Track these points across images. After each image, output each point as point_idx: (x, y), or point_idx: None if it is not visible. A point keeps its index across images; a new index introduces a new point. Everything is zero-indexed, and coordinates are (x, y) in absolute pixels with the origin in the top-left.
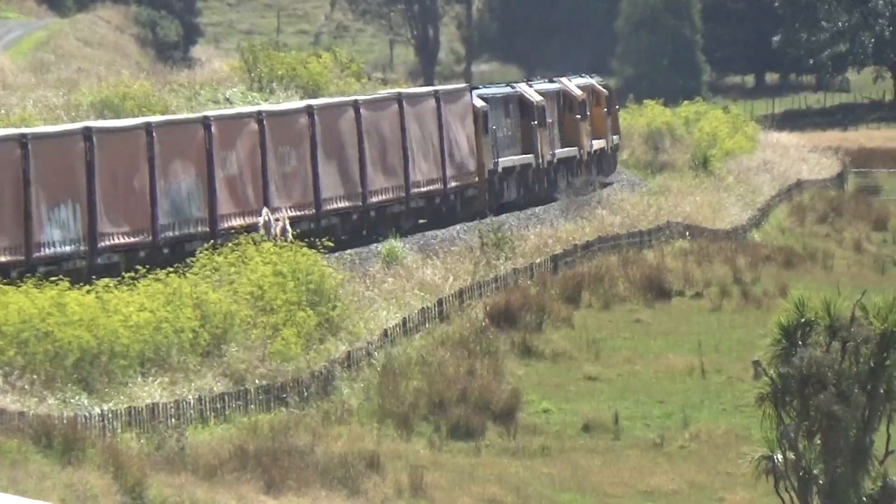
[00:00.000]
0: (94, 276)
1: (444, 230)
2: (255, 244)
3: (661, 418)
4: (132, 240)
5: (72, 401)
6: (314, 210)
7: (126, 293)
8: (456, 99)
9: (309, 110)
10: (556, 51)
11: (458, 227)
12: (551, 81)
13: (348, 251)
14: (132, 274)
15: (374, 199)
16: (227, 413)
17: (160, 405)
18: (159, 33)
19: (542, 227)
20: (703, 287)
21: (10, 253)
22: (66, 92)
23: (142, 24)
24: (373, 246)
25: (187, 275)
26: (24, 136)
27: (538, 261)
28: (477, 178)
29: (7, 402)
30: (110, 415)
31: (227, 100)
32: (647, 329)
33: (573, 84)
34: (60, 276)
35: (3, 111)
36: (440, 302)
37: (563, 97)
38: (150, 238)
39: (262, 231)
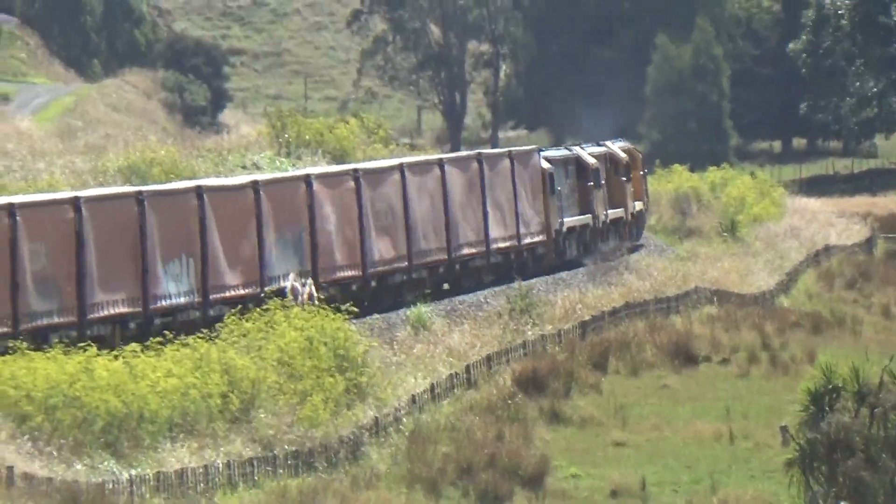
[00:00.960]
0: (206, 328)
1: (471, 295)
2: (283, 310)
3: (690, 484)
4: (243, 292)
5: (100, 466)
6: (407, 262)
7: (153, 358)
8: (526, 160)
9: (400, 168)
10: (582, 116)
11: (485, 291)
12: (599, 145)
13: (376, 316)
14: (160, 339)
15: (460, 253)
16: (255, 478)
17: (189, 470)
18: (187, 98)
19: (569, 292)
20: (730, 353)
21: (129, 305)
22: (94, 157)
23: (169, 90)
24: (400, 311)
25: (216, 340)
26: (140, 192)
27: (566, 327)
28: (545, 237)
29: (35, 468)
30: (138, 480)
31: (255, 165)
32: (675, 395)
33: (616, 147)
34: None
35: (30, 176)
36: (468, 368)
37: (609, 160)
38: (259, 290)
39: (289, 296)
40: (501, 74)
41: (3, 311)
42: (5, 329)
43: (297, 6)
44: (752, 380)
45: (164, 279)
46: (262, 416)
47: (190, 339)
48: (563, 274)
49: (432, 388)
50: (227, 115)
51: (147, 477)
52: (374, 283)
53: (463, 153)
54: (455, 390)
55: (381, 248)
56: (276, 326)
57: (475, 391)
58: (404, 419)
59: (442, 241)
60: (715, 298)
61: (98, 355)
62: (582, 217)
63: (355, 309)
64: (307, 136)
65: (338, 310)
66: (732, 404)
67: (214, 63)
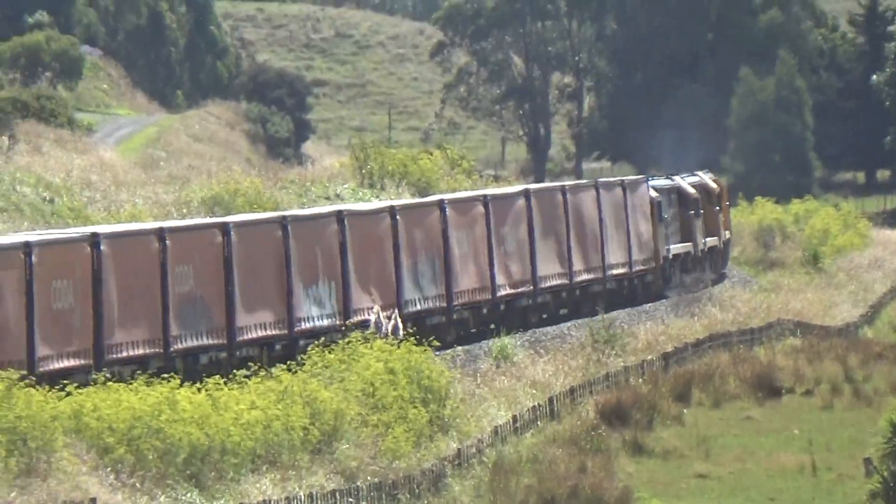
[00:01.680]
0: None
1: (554, 327)
2: (365, 342)
3: None
4: (269, 332)
5: (183, 498)
6: (531, 286)
7: (236, 391)
8: (636, 189)
9: (525, 193)
10: (666, 148)
11: (568, 323)
12: (693, 175)
13: (459, 348)
14: (245, 372)
15: (580, 279)
16: None
17: (271, 502)
18: (270, 129)
19: (652, 323)
20: (813, 385)
21: (275, 327)
22: (177, 188)
23: (252, 121)
24: (483, 343)
25: (298, 372)
26: (284, 217)
27: (649, 358)
28: (654, 264)
29: (118, 500)
30: None
31: (338, 196)
32: (758, 427)
33: (708, 178)
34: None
35: (113, 207)
36: (551, 399)
37: (703, 190)
38: (397, 312)
39: (372, 328)
40: (585, 106)
41: (154, 333)
42: (156, 350)
43: (380, 38)
44: (835, 411)
45: (307, 302)
46: (345, 447)
47: (274, 371)
48: (647, 305)
49: (515, 419)
50: (310, 147)
51: None
52: (502, 307)
53: (580, 181)
54: (538, 422)
55: (509, 273)
56: (358, 358)
57: (558, 423)
58: (487, 451)
59: (564, 267)
60: (798, 330)
61: (179, 387)
62: (684, 245)
63: (437, 342)
64: (390, 168)
65: (421, 342)
66: (815, 436)
67: (297, 94)
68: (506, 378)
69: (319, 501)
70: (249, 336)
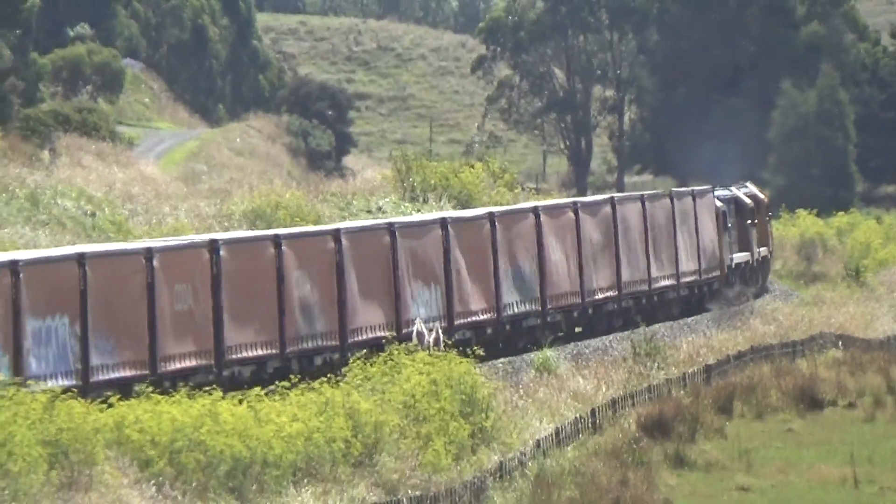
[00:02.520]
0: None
1: (596, 339)
2: (407, 354)
3: None
4: (482, 317)
5: None
6: (616, 292)
7: (277, 403)
8: (704, 198)
9: (611, 201)
10: (707, 161)
11: (610, 336)
12: (744, 186)
13: (500, 360)
14: (286, 384)
15: (658, 285)
16: None
17: None
18: (311, 143)
19: (694, 336)
20: (856, 397)
21: (386, 329)
22: (219, 201)
23: (294, 134)
24: (525, 356)
25: (340, 384)
26: (391, 224)
27: (691, 371)
28: (720, 272)
29: None
30: None
31: (380, 209)
32: (800, 439)
33: (755, 189)
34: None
35: (155, 220)
36: (593, 412)
37: (755, 200)
38: (496, 315)
39: (415, 340)
40: (626, 119)
41: (271, 335)
42: (273, 351)
43: (422, 51)
44: (877, 424)
45: (414, 305)
46: (387, 460)
47: (315, 384)
48: (689, 319)
49: (557, 432)
50: (352, 160)
51: None
52: (591, 311)
53: (659, 191)
54: (580, 434)
55: (597, 278)
56: (400, 370)
57: (600, 435)
58: (529, 463)
59: (644, 273)
60: (840, 343)
61: (221, 399)
62: (743, 254)
63: (482, 352)
64: (432, 181)
65: (464, 354)
66: (858, 449)
67: (339, 107)
68: (548, 390)
69: None
70: (361, 338)
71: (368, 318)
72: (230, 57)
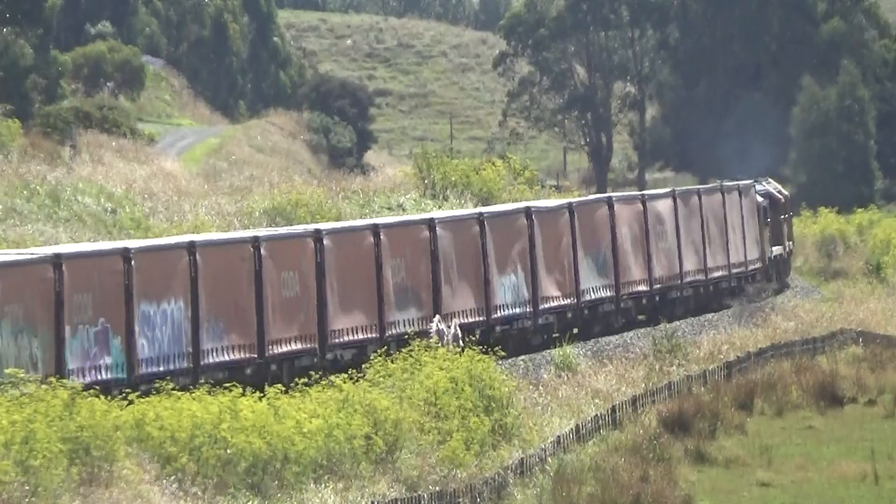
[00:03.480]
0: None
1: (616, 336)
2: (427, 351)
3: None
4: (563, 302)
5: None
6: (679, 280)
7: (297, 399)
8: (747, 192)
9: (672, 194)
10: (728, 158)
11: (630, 333)
12: (769, 182)
13: (521, 358)
14: (305, 380)
15: (713, 275)
16: None
17: None
18: (332, 140)
19: (715, 333)
20: (876, 394)
21: (476, 314)
22: (239, 198)
23: (314, 131)
24: (545, 353)
25: (360, 381)
26: (481, 214)
27: (711, 367)
28: (761, 264)
29: None
30: None
31: (401, 206)
32: (820, 436)
33: (775, 185)
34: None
35: (176, 217)
36: (613, 409)
37: (783, 196)
38: (576, 301)
39: (434, 337)
40: (647, 116)
41: (371, 319)
42: (374, 335)
43: (443, 48)
44: None
45: (502, 290)
46: (407, 456)
47: (336, 380)
48: (710, 315)
49: (577, 428)
50: (373, 157)
51: None
52: (657, 299)
53: (710, 185)
54: (600, 431)
55: (662, 267)
56: (421, 367)
57: (620, 432)
58: (549, 460)
59: (700, 264)
60: (861, 339)
61: (241, 396)
62: (777, 247)
63: (503, 352)
64: (453, 178)
65: (484, 352)
66: (878, 445)
67: (360, 104)
68: (568, 387)
69: None
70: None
71: (460, 304)
72: (251, 54)
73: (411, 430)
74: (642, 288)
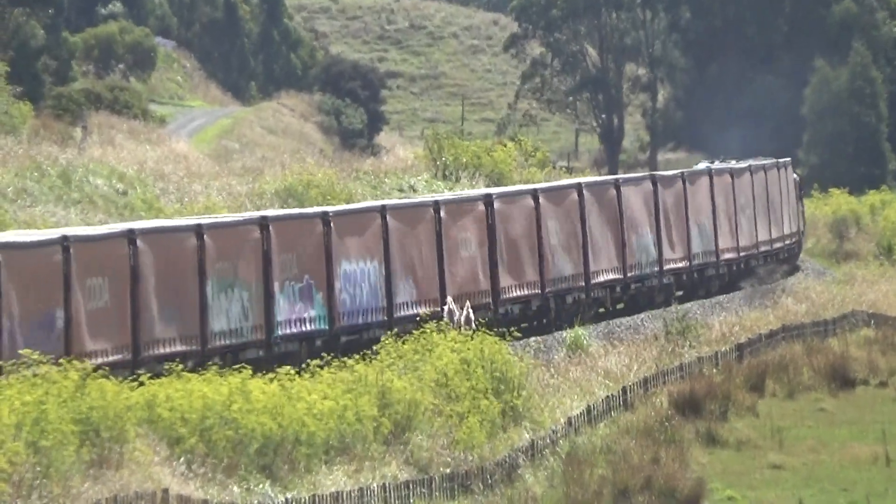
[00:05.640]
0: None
1: (628, 318)
2: (439, 332)
3: None
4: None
5: (255, 489)
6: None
7: (308, 381)
8: (787, 170)
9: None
10: (740, 139)
11: (642, 315)
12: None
13: (532, 339)
14: (318, 362)
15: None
16: (411, 501)
17: (344, 493)
18: (343, 121)
19: (726, 314)
20: (887, 376)
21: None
22: (251, 180)
23: (326, 112)
24: (556, 334)
25: (372, 362)
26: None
27: (723, 349)
28: (797, 239)
29: (191, 490)
30: (294, 503)
31: (412, 188)
32: (832, 418)
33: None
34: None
35: (187, 199)
36: (624, 390)
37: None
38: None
39: (446, 319)
40: (659, 97)
41: (534, 277)
42: (537, 291)
43: (454, 30)
44: None
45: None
46: (419, 438)
47: (349, 362)
48: (721, 297)
49: (588, 410)
50: (384, 138)
51: (303, 500)
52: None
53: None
54: (611, 412)
55: (744, 237)
56: (433, 349)
57: (631, 413)
58: (560, 441)
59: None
60: (872, 321)
61: (252, 377)
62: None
63: (518, 334)
64: (464, 159)
65: (501, 335)
66: (889, 427)
67: (371, 86)
68: (579, 369)
69: (392, 492)
70: (599, 280)
71: (603, 264)
72: (262, 35)
73: (425, 411)
74: (731, 256)
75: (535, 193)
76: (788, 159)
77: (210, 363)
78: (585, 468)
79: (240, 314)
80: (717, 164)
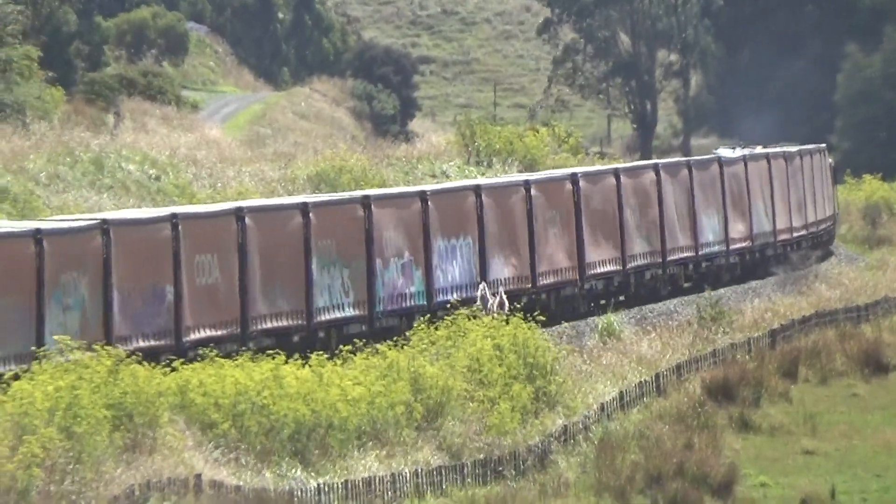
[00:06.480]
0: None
1: (661, 304)
2: (472, 318)
3: (879, 492)
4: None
5: (287, 473)
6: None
7: (341, 366)
8: (820, 155)
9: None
10: (772, 125)
11: (675, 300)
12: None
13: (565, 325)
14: (349, 347)
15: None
16: (443, 487)
17: (376, 478)
18: (376, 107)
19: (759, 300)
20: None
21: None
22: (283, 165)
23: (358, 98)
24: (589, 320)
25: (404, 348)
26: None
27: (756, 335)
28: (832, 222)
29: (223, 475)
30: (326, 488)
31: (444, 174)
32: (865, 403)
33: None
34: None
35: (219, 184)
36: (657, 376)
37: None
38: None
39: (479, 304)
40: (692, 83)
41: (615, 254)
42: (618, 268)
43: (486, 15)
44: None
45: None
46: (451, 424)
47: (381, 348)
48: (753, 283)
49: (621, 396)
50: (416, 124)
51: (335, 485)
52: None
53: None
54: (644, 398)
55: (760, 226)
56: (465, 334)
57: (664, 399)
58: (593, 427)
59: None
60: None
61: (285, 363)
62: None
63: (543, 317)
64: (497, 145)
65: (526, 319)
66: None
67: (404, 71)
68: (612, 354)
69: (424, 478)
70: (675, 257)
71: (678, 241)
72: (294, 21)
73: (458, 397)
74: (786, 237)
75: (616, 173)
76: (824, 145)
77: (316, 338)
78: (618, 454)
79: (343, 290)
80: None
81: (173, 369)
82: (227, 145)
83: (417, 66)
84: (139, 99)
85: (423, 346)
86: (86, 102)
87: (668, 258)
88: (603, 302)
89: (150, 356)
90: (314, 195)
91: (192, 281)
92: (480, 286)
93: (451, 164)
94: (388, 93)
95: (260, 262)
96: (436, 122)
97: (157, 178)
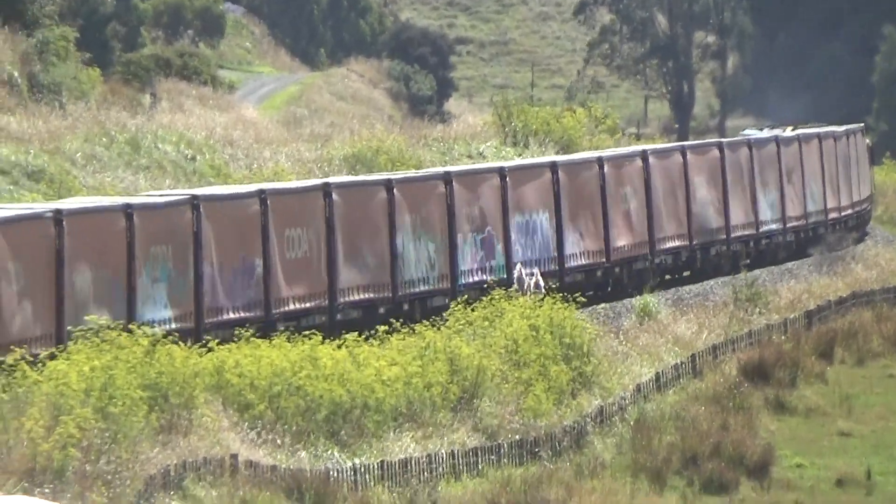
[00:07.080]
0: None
1: (697, 285)
2: (508, 299)
3: None
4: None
5: (323, 454)
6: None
7: (377, 347)
8: (857, 136)
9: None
10: (808, 105)
11: (711, 282)
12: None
13: (602, 305)
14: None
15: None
16: (479, 467)
17: (413, 459)
18: (412, 88)
19: (795, 281)
20: None
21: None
22: (319, 146)
23: (395, 79)
24: (626, 301)
25: (441, 329)
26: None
27: (792, 316)
28: (870, 203)
29: (259, 456)
30: (362, 469)
31: (481, 154)
32: None
33: None
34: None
35: (255, 165)
36: (693, 357)
37: None
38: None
39: (515, 285)
40: (729, 64)
41: (683, 229)
42: (685, 243)
43: None
44: None
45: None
46: (487, 405)
47: (417, 328)
48: (790, 264)
49: (657, 377)
50: (453, 105)
51: (371, 466)
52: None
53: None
54: (680, 379)
55: (813, 204)
56: (502, 315)
57: (700, 380)
58: (629, 408)
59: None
60: None
61: (321, 344)
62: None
63: (583, 298)
64: (534, 126)
65: (565, 299)
66: None
67: (440, 52)
68: (649, 335)
69: (460, 458)
70: (736, 234)
71: (740, 218)
72: (331, 2)
73: (494, 378)
74: (835, 215)
75: (683, 150)
76: (861, 125)
77: (401, 310)
78: (654, 435)
79: (427, 264)
80: (765, 133)
81: (209, 350)
82: (263, 126)
83: (454, 47)
84: (175, 79)
85: (460, 326)
86: (122, 83)
87: (732, 235)
88: (668, 277)
89: (240, 326)
90: (399, 173)
91: (281, 254)
92: (517, 267)
93: (488, 144)
94: (424, 74)
95: (346, 236)
96: (472, 102)
97: (193, 159)
